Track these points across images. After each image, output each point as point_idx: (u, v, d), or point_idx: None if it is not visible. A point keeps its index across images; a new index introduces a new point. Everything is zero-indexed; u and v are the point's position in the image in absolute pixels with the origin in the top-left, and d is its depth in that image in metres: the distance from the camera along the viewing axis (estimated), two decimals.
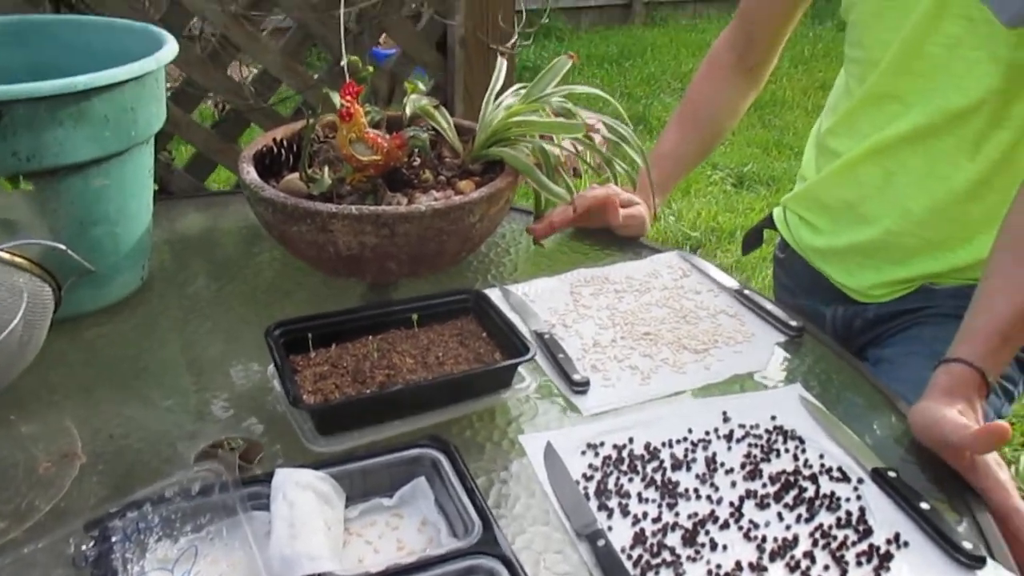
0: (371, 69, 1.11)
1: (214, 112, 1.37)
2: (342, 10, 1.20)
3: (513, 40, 1.38)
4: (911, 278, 1.08)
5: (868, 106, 1.07)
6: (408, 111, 1.16)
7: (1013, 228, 0.88)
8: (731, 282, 1.08)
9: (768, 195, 3.94)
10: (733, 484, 0.76)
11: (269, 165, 1.09)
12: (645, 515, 0.71)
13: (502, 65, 1.19)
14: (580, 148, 1.16)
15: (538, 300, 1.04)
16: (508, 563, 0.61)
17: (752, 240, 1.34)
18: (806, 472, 0.77)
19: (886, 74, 1.03)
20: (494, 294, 1.04)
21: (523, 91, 1.15)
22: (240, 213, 1.23)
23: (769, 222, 1.29)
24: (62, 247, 0.79)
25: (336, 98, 1.00)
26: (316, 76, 1.38)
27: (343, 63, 1.09)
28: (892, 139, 1.04)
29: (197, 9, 1.22)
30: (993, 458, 0.77)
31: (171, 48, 0.94)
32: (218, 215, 1.26)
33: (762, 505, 0.73)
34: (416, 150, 1.04)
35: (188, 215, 1.25)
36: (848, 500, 0.74)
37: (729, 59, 1.25)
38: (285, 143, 1.12)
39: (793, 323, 0.98)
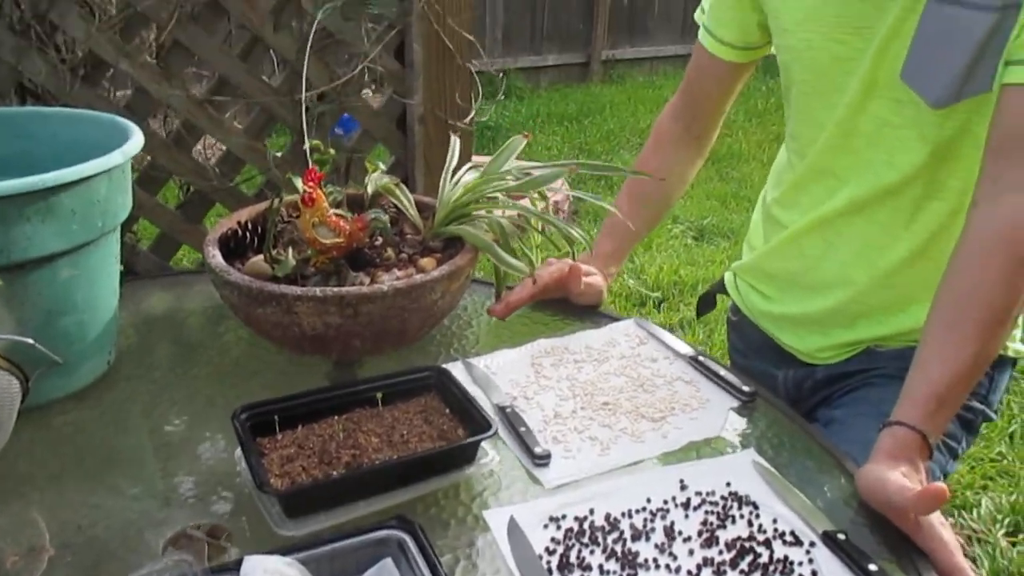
0: (333, 152, 1.14)
1: (179, 193, 1.40)
2: (303, 94, 1.24)
3: (471, 116, 1.43)
4: (857, 341, 1.13)
5: (808, 181, 1.13)
6: (370, 189, 1.19)
7: (944, 296, 0.92)
8: (686, 348, 1.11)
9: (728, 247, 4.02)
10: (691, 552, 0.78)
11: (234, 248, 1.11)
12: None
13: (455, 143, 1.23)
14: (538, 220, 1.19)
15: (500, 372, 1.07)
16: None
17: (706, 304, 1.38)
18: (760, 537, 0.80)
19: (823, 151, 1.09)
20: (457, 368, 1.07)
21: (480, 167, 1.19)
22: (205, 292, 1.25)
23: (721, 287, 1.34)
24: (29, 341, 0.81)
25: (299, 183, 1.03)
26: (279, 154, 1.42)
27: (306, 147, 1.13)
28: (832, 212, 1.10)
29: (162, 96, 1.25)
30: (937, 518, 0.80)
31: (137, 140, 0.97)
32: (183, 295, 1.28)
33: (719, 572, 0.76)
34: (378, 231, 1.08)
35: (154, 295, 1.27)
36: (801, 564, 0.77)
37: (675, 131, 1.30)
38: (250, 225, 1.15)
39: (746, 388, 1.02)
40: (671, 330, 3.36)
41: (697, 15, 1.25)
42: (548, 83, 7.26)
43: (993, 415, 1.13)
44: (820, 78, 1.08)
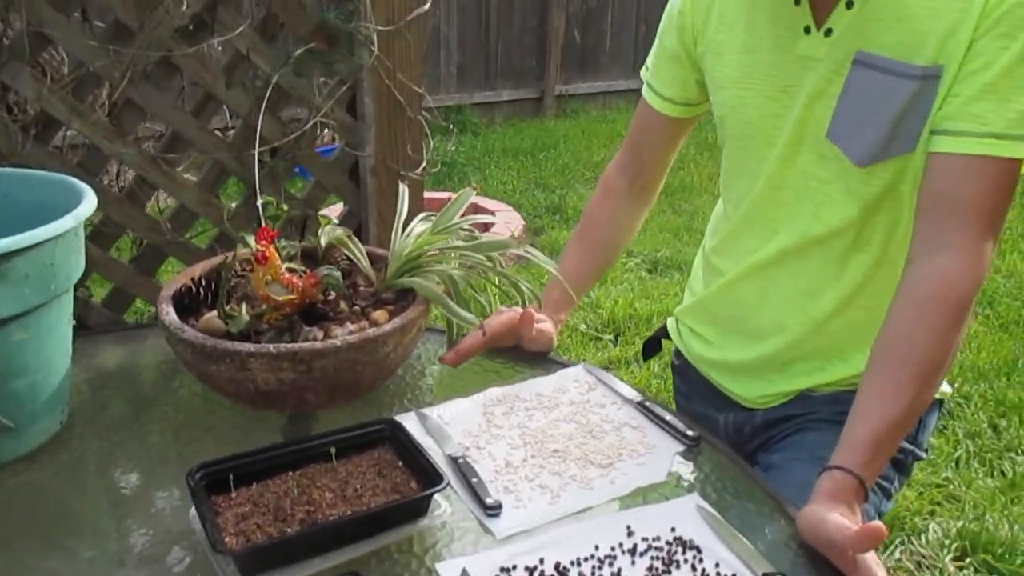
0: (285, 208, 1.17)
1: (132, 247, 1.41)
2: (256, 149, 1.26)
3: (422, 166, 1.46)
4: (794, 389, 1.18)
5: (742, 230, 1.18)
6: (323, 242, 1.22)
7: (882, 348, 0.97)
8: (633, 394, 1.15)
9: (681, 280, 4.10)
10: None
11: (188, 304, 1.13)
12: None
13: (404, 194, 1.25)
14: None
15: (453, 423, 1.09)
16: None
17: (651, 348, 1.42)
18: None
19: (755, 202, 1.15)
20: (411, 418, 1.09)
21: (431, 218, 1.22)
22: (158, 346, 1.26)
23: (665, 331, 1.38)
24: None
25: (252, 241, 1.06)
26: (233, 205, 1.43)
27: (258, 203, 1.15)
28: (765, 260, 1.15)
29: (114, 153, 1.27)
30: (872, 557, 0.84)
31: (90, 203, 0.99)
32: (137, 348, 1.28)
33: None
34: (330, 286, 1.10)
35: (107, 350, 1.27)
36: None
37: (621, 183, 1.35)
38: (203, 281, 1.16)
39: (690, 433, 1.05)
40: (627, 364, 3.42)
41: (642, 72, 1.31)
42: (503, 118, 7.34)
43: (923, 454, 1.18)
44: (752, 133, 1.13)
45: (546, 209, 5.35)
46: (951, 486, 2.62)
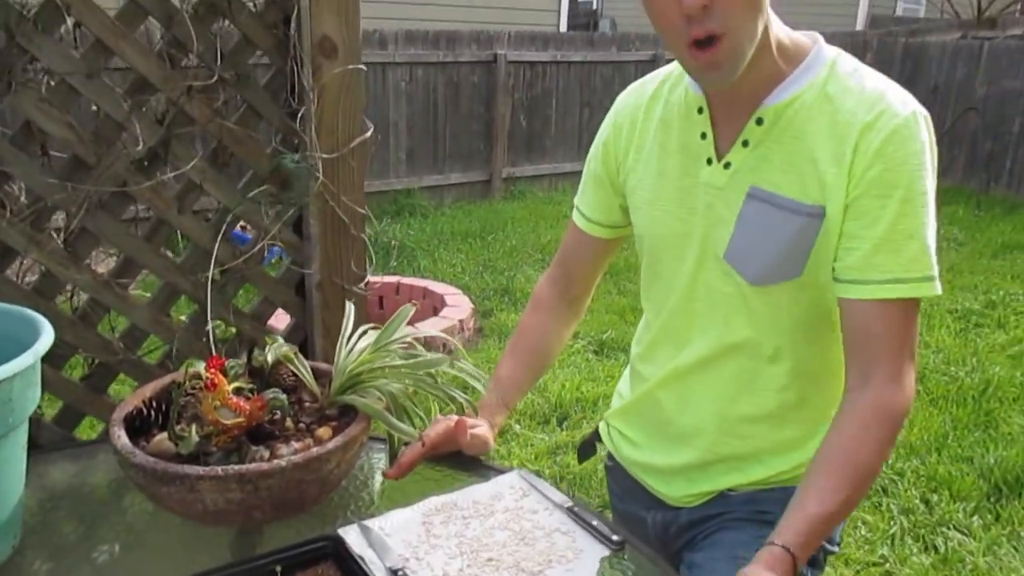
0: (234, 330, 1.24)
1: (84, 366, 1.46)
2: (211, 271, 1.34)
3: (365, 280, 1.55)
4: (714, 489, 1.27)
5: (661, 339, 1.29)
6: (270, 359, 1.29)
7: (826, 452, 1.08)
8: (563, 499, 1.22)
9: (627, 361, 4.20)
10: None
11: (139, 426, 1.18)
12: None
13: (350, 311, 1.34)
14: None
15: (394, 534, 1.15)
16: None
17: (586, 450, 1.51)
18: None
19: (672, 313, 1.26)
20: (353, 531, 1.15)
21: (374, 333, 1.30)
22: (110, 462, 1.30)
23: (597, 435, 1.47)
24: None
25: (202, 367, 1.12)
26: (184, 318, 1.50)
27: (209, 328, 1.22)
28: (684, 368, 1.26)
29: (69, 279, 1.33)
30: None
31: (47, 338, 1.05)
32: (88, 466, 1.33)
33: None
34: (276, 408, 1.17)
35: (58, 468, 1.31)
36: None
37: (552, 296, 1.45)
38: (154, 402, 1.22)
39: (615, 537, 1.13)
40: (574, 448, 3.48)
41: (575, 199, 1.43)
42: (452, 201, 7.50)
43: (835, 548, 1.28)
44: (665, 250, 1.25)
45: (495, 291, 5.45)
46: (887, 564, 2.71)
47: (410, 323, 4.26)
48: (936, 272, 1.08)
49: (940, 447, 3.47)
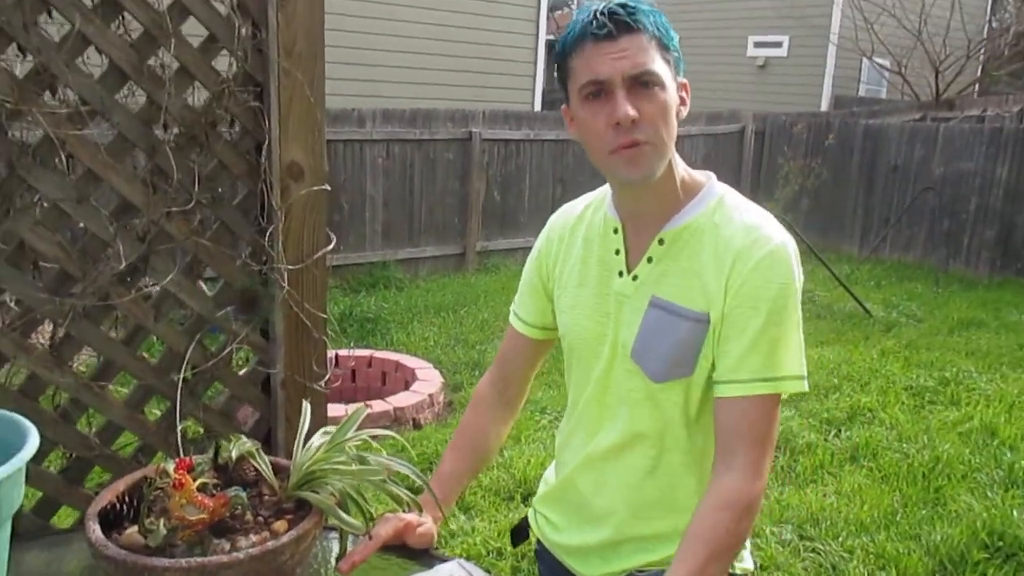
0: (201, 431, 1.37)
1: (62, 460, 1.58)
2: (183, 372, 1.48)
3: (326, 378, 1.69)
4: (626, 567, 1.41)
5: (579, 428, 1.46)
6: (234, 455, 1.42)
7: (687, 536, 1.23)
8: None
9: None
10: None
11: (113, 519, 1.31)
12: None
13: (307, 410, 1.47)
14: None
15: None
16: None
17: (518, 535, 1.65)
18: None
19: (587, 404, 1.43)
20: None
21: (330, 433, 1.43)
22: (84, 551, 1.41)
23: (527, 521, 1.61)
24: None
25: (171, 467, 1.25)
26: (157, 413, 1.63)
27: (179, 428, 1.36)
28: (596, 455, 1.41)
29: (53, 381, 1.47)
30: None
31: (33, 443, 1.18)
32: (63, 554, 1.43)
33: None
34: (238, 506, 1.29)
35: (34, 556, 1.42)
36: None
37: (491, 396, 1.60)
38: (126, 496, 1.35)
39: None
40: None
41: (512, 305, 1.59)
42: (426, 273, 7.67)
43: None
44: (584, 348, 1.42)
45: (466, 365, 5.57)
46: None
47: (382, 396, 4.43)
48: (802, 372, 1.26)
49: (889, 524, 3.60)
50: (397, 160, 7.39)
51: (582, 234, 1.44)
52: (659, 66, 1.23)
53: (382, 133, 7.24)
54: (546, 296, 1.51)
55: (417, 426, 4.55)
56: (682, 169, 1.33)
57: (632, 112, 1.20)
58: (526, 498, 3.71)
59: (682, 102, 1.28)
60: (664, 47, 1.24)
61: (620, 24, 1.20)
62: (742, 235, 1.26)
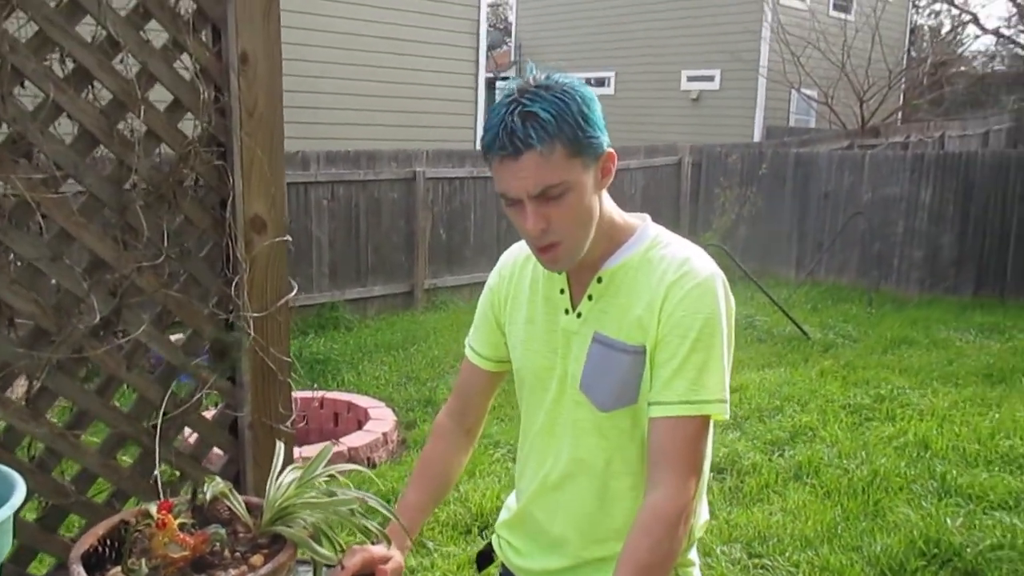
0: (178, 474, 1.45)
1: (38, 507, 1.63)
2: (159, 420, 1.55)
3: (291, 419, 1.77)
4: None
5: (531, 458, 1.56)
6: (209, 496, 1.49)
7: (622, 553, 1.32)
8: None
9: None
10: None
11: (95, 562, 1.37)
12: None
13: (280, 449, 1.55)
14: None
15: None
16: None
17: (483, 560, 1.73)
18: None
19: (538, 435, 1.53)
20: None
21: (300, 469, 1.52)
22: None
23: (491, 546, 1.71)
24: None
25: (153, 509, 1.33)
26: (128, 459, 1.68)
27: (156, 472, 1.42)
28: (550, 483, 1.51)
29: (29, 432, 1.52)
30: None
31: (20, 493, 1.24)
32: None
33: None
34: (216, 542, 1.37)
35: None
36: None
37: (450, 426, 1.70)
38: (107, 540, 1.41)
39: None
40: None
41: (467, 339, 1.69)
42: (375, 312, 7.72)
43: None
44: (534, 381, 1.53)
45: (418, 402, 5.63)
46: None
47: (335, 437, 4.51)
48: (725, 397, 1.36)
49: (832, 537, 3.75)
50: (342, 201, 7.46)
51: (529, 274, 1.55)
52: (564, 173, 1.28)
53: (327, 175, 7.32)
54: (499, 330, 1.61)
55: (372, 465, 4.59)
56: (617, 216, 1.45)
57: (541, 225, 1.32)
58: (483, 530, 3.78)
59: (605, 173, 1.37)
60: (573, 144, 1.28)
61: (521, 142, 1.26)
62: (674, 269, 1.38)
